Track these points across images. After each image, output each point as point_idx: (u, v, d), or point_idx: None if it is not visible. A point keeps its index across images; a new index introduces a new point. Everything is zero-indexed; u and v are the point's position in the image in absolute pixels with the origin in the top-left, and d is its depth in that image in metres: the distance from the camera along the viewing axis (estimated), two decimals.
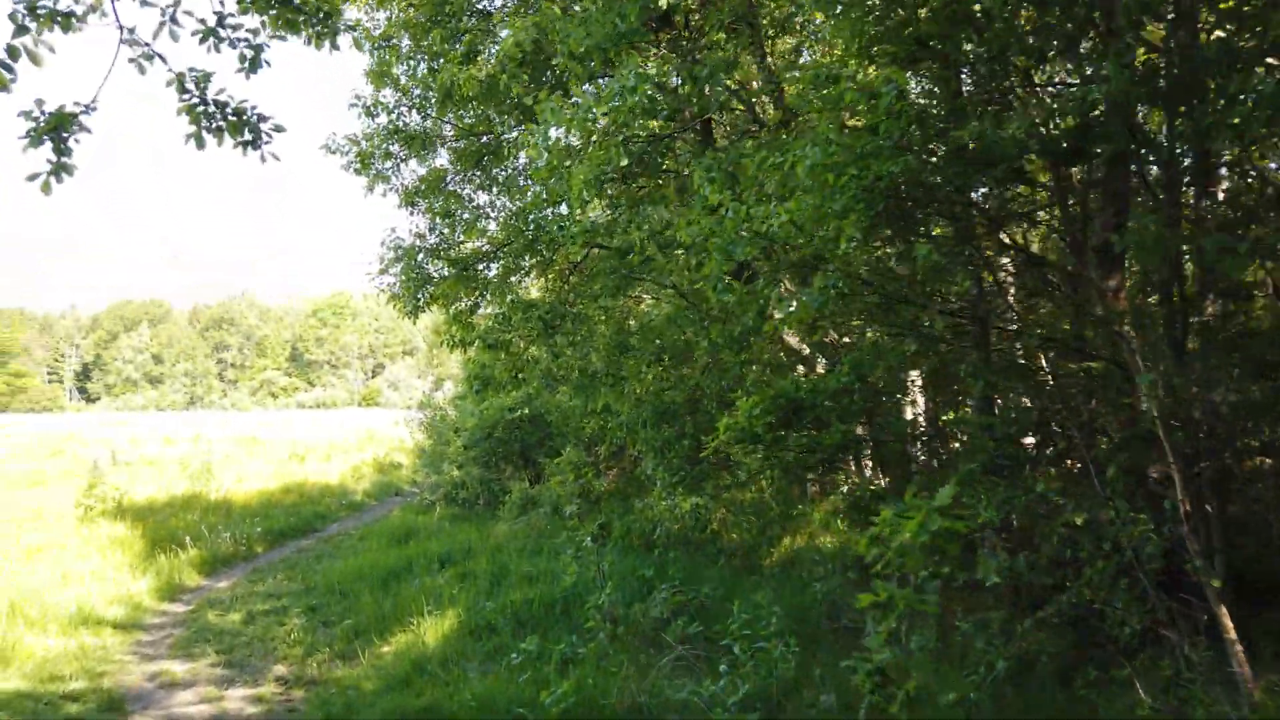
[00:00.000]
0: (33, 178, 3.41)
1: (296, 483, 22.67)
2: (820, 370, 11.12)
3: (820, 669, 6.32)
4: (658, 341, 11.43)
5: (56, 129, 3.36)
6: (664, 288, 13.24)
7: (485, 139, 10.76)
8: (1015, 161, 5.42)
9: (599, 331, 11.54)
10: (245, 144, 3.88)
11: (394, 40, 10.49)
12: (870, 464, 12.22)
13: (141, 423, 67.27)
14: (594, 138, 6.96)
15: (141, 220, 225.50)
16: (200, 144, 3.77)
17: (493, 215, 11.29)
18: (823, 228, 4.78)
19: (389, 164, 10.87)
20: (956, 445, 9.11)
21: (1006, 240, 6.71)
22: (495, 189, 11.77)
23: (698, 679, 6.13)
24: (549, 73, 9.20)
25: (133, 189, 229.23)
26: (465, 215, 11.09)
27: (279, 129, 3.97)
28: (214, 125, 3.77)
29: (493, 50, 9.50)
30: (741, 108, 12.86)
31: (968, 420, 6.70)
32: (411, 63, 10.48)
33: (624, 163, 7.03)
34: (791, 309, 5.27)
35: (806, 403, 7.10)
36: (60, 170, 3.48)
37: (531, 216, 10.14)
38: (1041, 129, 5.58)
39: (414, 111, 10.80)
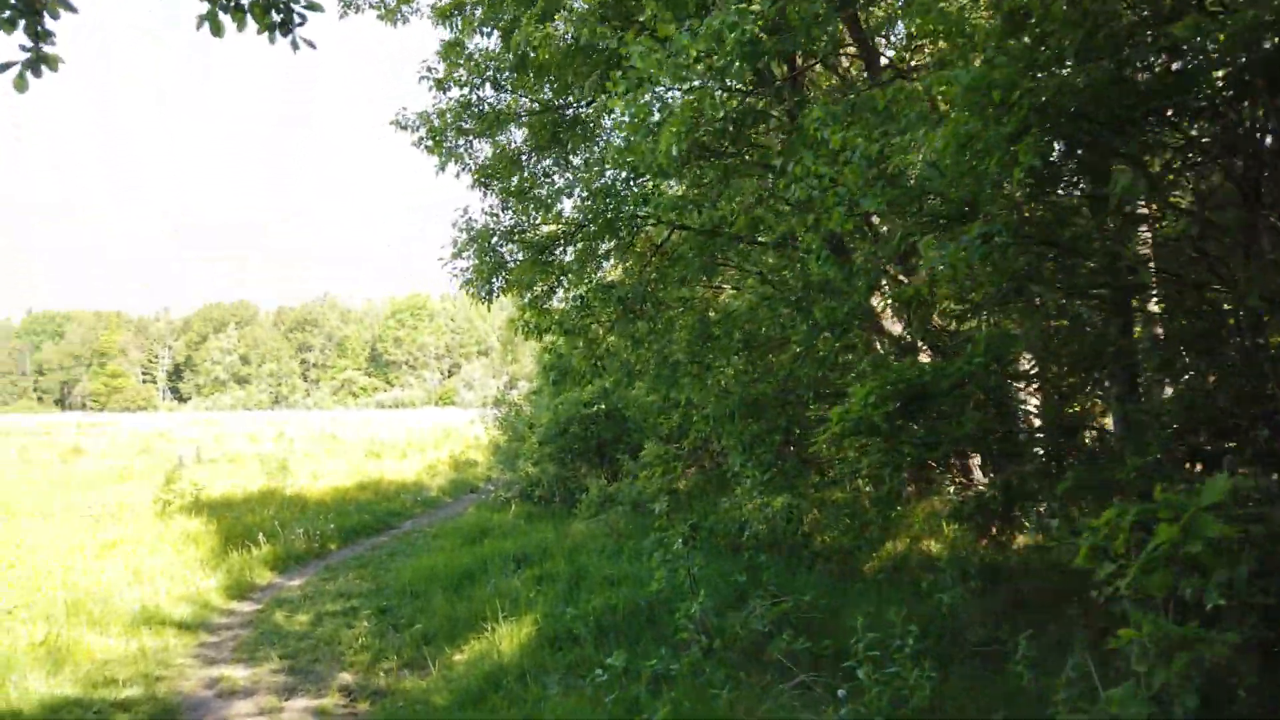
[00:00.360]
0: (4, 68, 2.76)
1: (373, 480, 22.50)
2: (925, 358, 10.08)
3: (958, 699, 5.37)
4: (745, 328, 10.58)
5: (31, 4, 2.69)
6: (749, 274, 12.36)
7: (565, 111, 10.05)
8: (1214, 85, 4.40)
9: (680, 320, 10.75)
10: (272, 27, 3.15)
11: (467, 8, 9.87)
12: (979, 461, 11.11)
13: (228, 421, 69.47)
14: (688, 85, 6.14)
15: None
16: (217, 29, 3.05)
17: (570, 196, 10.55)
18: (981, 162, 3.86)
19: (461, 142, 10.26)
20: (1088, 440, 8.00)
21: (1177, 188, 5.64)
22: (572, 171, 11.05)
23: (815, 706, 5.25)
24: (634, 29, 8.42)
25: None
26: (544, 194, 10.41)
27: (313, 7, 3.22)
28: (233, 3, 3.05)
29: (571, 13, 8.79)
30: (833, 79, 11.90)
31: (1139, 408, 5.64)
32: (485, 31, 9.84)
33: (719, 115, 6.20)
34: (940, 262, 4.33)
35: (931, 390, 6.15)
36: (39, 62, 2.81)
37: (611, 186, 9.38)
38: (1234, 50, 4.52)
39: (488, 85, 10.16)
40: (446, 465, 27.19)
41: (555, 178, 10.85)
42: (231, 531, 13.71)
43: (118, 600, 9.00)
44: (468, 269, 10.22)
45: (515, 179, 10.35)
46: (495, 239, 10.18)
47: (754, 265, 12.10)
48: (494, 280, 10.09)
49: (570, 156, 11.14)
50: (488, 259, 10.08)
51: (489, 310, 10.39)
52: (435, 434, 44.20)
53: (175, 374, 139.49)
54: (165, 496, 16.28)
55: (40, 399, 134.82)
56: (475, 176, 10.50)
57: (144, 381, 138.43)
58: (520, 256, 10.35)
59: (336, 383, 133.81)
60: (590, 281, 9.71)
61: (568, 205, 10.78)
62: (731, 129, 7.86)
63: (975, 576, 7.56)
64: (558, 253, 10.53)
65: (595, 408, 17.84)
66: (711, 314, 12.00)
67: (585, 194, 9.98)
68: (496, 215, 10.43)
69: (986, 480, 10.05)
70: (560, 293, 10.78)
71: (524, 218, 10.55)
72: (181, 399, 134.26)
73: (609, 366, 10.22)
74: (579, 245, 10.23)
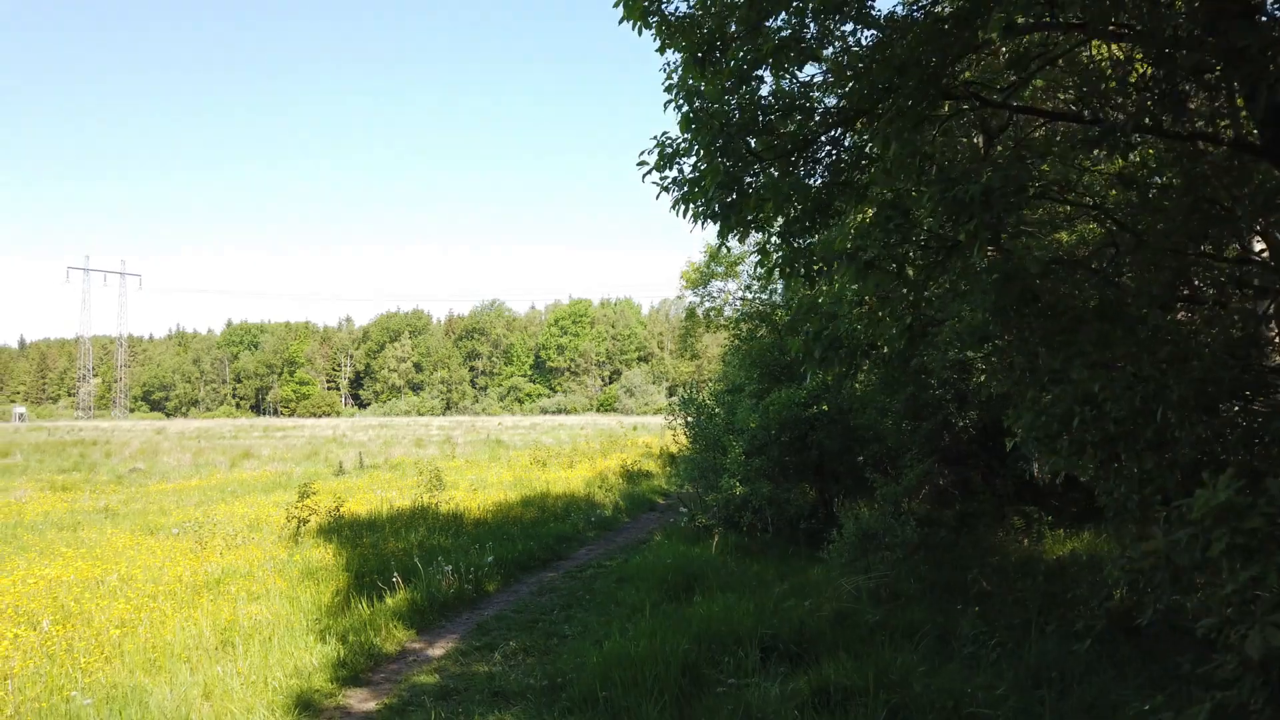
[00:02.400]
0: None
1: (538, 494, 19.26)
2: None
3: None
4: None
5: None
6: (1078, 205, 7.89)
7: None
8: None
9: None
10: None
11: None
12: None
13: (401, 426, 70.27)
14: None
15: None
16: None
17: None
18: None
19: None
20: None
21: None
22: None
23: None
24: None
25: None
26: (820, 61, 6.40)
27: None
28: None
29: None
30: None
31: None
32: None
33: None
34: None
35: None
36: None
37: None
38: None
39: None
40: (617, 475, 23.79)
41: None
42: (365, 566, 10.57)
43: (162, 705, 5.72)
44: (685, 178, 6.37)
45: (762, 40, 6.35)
46: (733, 128, 6.27)
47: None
48: (731, 191, 6.17)
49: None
50: (721, 161, 6.18)
51: (726, 234, 6.32)
52: (601, 440, 41.31)
53: (356, 381, 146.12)
54: (299, 514, 13.53)
55: (238, 405, 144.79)
56: (688, 40, 6.58)
57: (328, 388, 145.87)
58: (763, 177, 6.38)
59: (503, 389, 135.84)
60: (907, 174, 5.59)
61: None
62: None
63: None
64: (825, 148, 6.51)
65: (814, 408, 13.70)
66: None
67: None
68: (727, 93, 6.50)
69: None
70: (838, 219, 6.73)
71: (772, 111, 6.53)
72: (361, 405, 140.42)
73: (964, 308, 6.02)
74: (877, 126, 6.11)
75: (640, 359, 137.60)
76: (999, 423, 9.87)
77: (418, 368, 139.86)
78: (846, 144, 6.62)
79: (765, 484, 12.56)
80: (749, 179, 6.42)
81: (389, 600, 9.34)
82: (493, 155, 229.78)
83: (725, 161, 6.13)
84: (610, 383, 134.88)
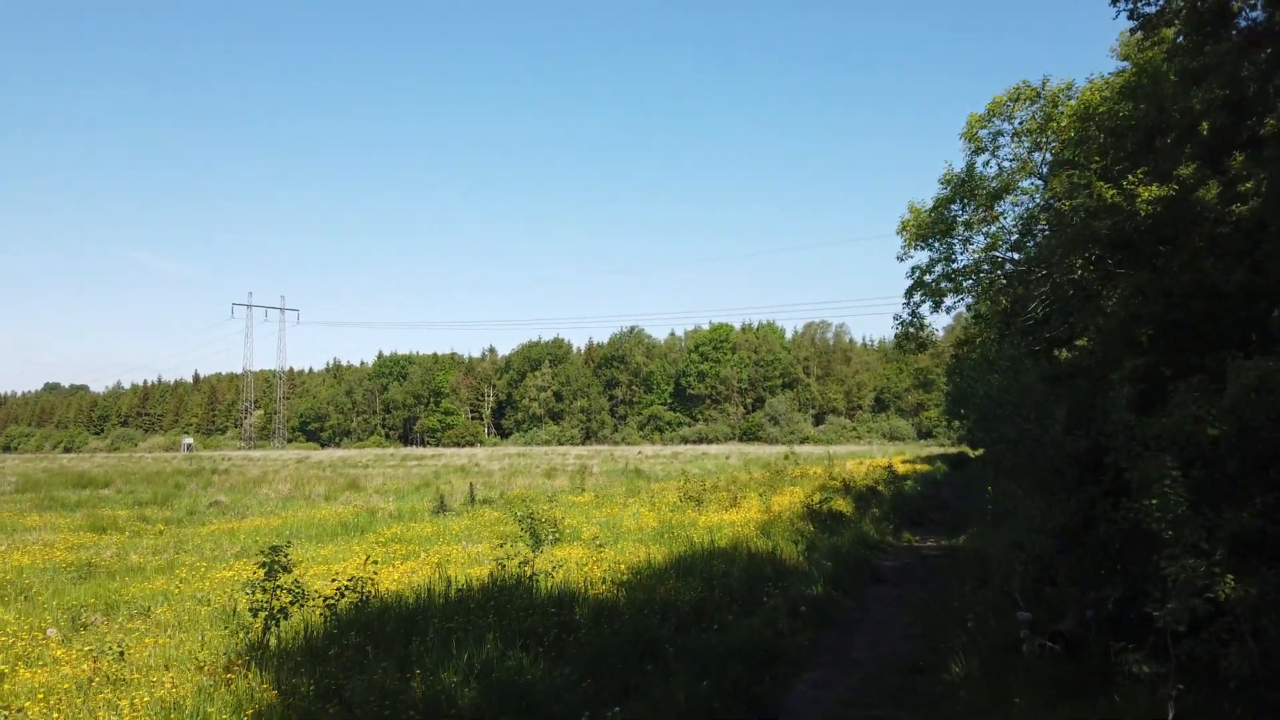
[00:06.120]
0: None
1: (699, 552, 12.26)
2: None
3: None
4: None
5: None
6: None
7: None
8: None
9: None
10: None
11: None
12: None
13: (538, 455, 65.52)
14: None
15: None
16: None
17: None
18: None
19: None
20: None
21: None
22: None
23: None
24: None
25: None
26: None
27: None
28: None
29: None
30: None
31: None
32: None
33: None
34: None
35: None
36: None
37: None
38: None
39: None
40: (800, 518, 16.45)
41: None
42: None
43: None
44: None
45: None
46: None
47: None
48: None
49: None
50: None
51: None
52: (759, 470, 34.02)
53: (498, 410, 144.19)
54: (269, 603, 7.22)
55: (387, 435, 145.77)
56: None
57: (472, 418, 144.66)
58: None
59: (642, 418, 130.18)
60: None
61: None
62: None
63: None
64: None
65: None
66: None
67: None
68: None
69: None
70: None
71: None
72: (504, 434, 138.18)
73: None
74: None
75: (784, 385, 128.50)
76: None
77: (558, 397, 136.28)
78: None
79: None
80: None
81: None
82: (631, 178, 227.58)
83: None
84: (753, 410, 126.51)
